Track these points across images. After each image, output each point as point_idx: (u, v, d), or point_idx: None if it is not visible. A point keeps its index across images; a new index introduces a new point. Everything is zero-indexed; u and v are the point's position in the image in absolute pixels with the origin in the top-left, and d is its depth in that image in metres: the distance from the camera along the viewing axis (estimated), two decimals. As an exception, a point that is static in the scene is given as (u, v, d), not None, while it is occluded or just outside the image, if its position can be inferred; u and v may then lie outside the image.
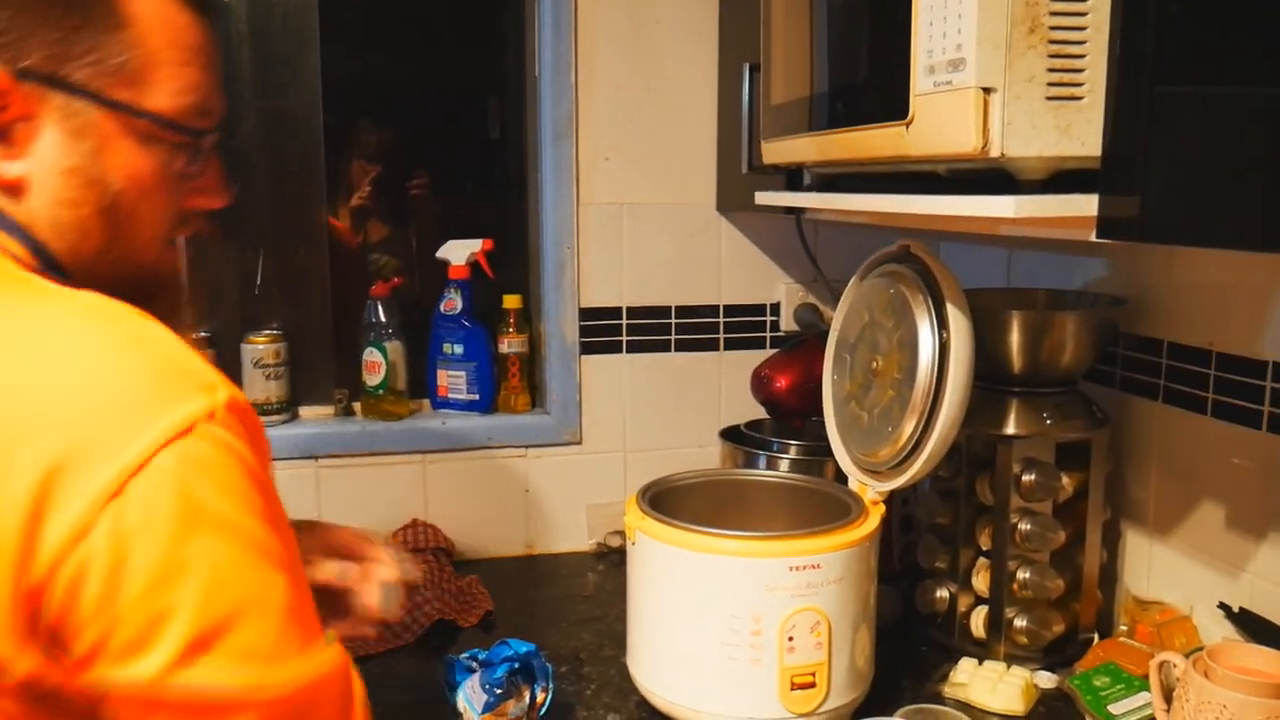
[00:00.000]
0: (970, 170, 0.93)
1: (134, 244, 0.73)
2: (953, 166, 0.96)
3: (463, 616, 1.43)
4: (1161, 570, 1.31)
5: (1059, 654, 1.29)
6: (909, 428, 1.14)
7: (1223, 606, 1.19)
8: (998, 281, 1.60)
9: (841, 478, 1.29)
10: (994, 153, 0.83)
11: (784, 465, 1.45)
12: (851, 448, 1.27)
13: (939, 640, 1.35)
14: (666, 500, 1.22)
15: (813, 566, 1.06)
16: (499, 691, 1.08)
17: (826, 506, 1.21)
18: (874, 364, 1.22)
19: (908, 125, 0.93)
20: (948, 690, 1.23)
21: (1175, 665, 1.08)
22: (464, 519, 1.68)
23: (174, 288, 0.78)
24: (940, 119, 0.88)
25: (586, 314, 1.69)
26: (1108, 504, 1.31)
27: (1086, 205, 0.81)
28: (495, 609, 1.45)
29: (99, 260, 0.72)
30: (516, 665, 1.10)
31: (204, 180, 0.77)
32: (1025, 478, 1.24)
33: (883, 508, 1.20)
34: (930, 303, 1.14)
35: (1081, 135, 0.83)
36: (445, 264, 1.69)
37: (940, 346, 1.13)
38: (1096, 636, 1.31)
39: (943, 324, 1.13)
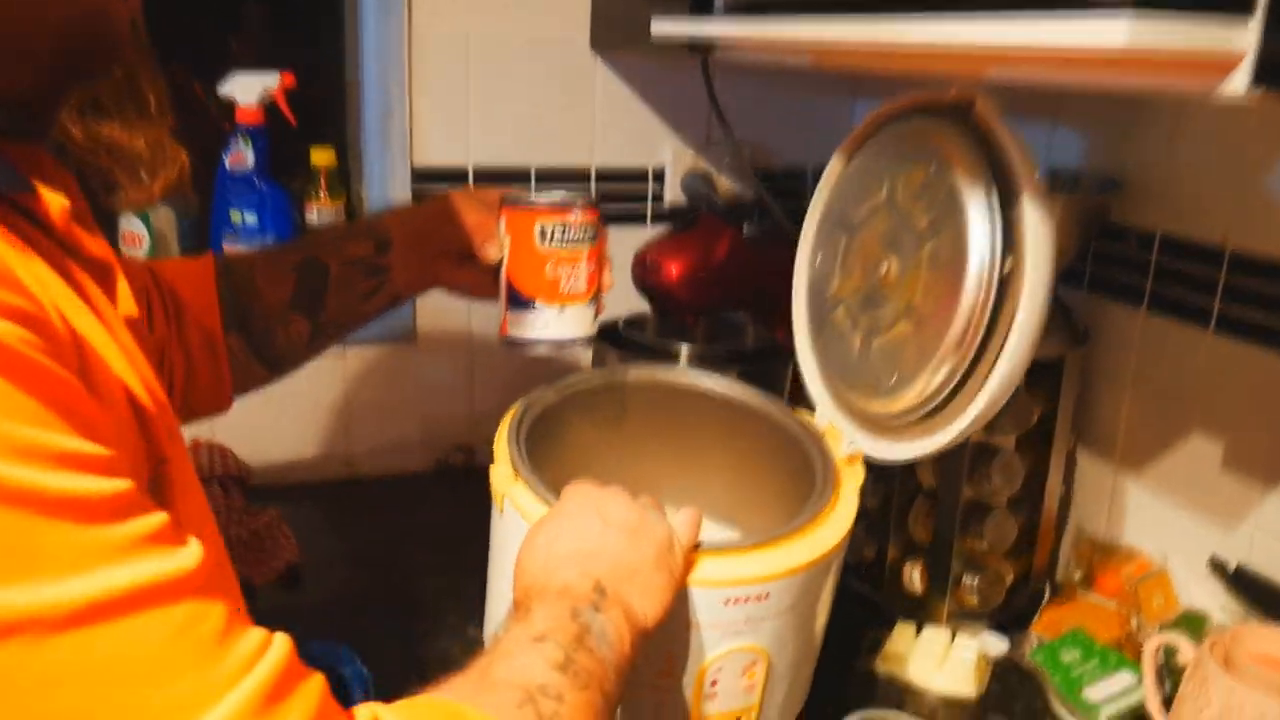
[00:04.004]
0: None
1: None
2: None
3: (256, 571, 1.09)
4: (1126, 511, 1.09)
5: (1006, 609, 1.06)
6: (918, 387, 0.76)
7: (1215, 563, 0.98)
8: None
9: (797, 395, 0.95)
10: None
11: (676, 377, 1.15)
12: (829, 369, 0.90)
13: (862, 592, 1.10)
14: (551, 429, 0.87)
15: (758, 598, 0.71)
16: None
17: (775, 448, 0.88)
18: (884, 268, 0.83)
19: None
20: (881, 665, 0.99)
21: (1177, 649, 0.86)
22: (264, 437, 1.32)
23: (127, 52, 0.53)
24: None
25: (421, 176, 1.32)
26: (1071, 431, 1.07)
27: (1231, 35, 0.51)
28: (302, 559, 1.13)
29: None
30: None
31: None
32: (990, 405, 0.97)
33: (860, 473, 0.83)
34: (995, 202, 0.73)
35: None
36: (231, 105, 1.27)
37: (999, 278, 0.72)
38: (1048, 587, 1.10)
39: (1009, 239, 0.72)
